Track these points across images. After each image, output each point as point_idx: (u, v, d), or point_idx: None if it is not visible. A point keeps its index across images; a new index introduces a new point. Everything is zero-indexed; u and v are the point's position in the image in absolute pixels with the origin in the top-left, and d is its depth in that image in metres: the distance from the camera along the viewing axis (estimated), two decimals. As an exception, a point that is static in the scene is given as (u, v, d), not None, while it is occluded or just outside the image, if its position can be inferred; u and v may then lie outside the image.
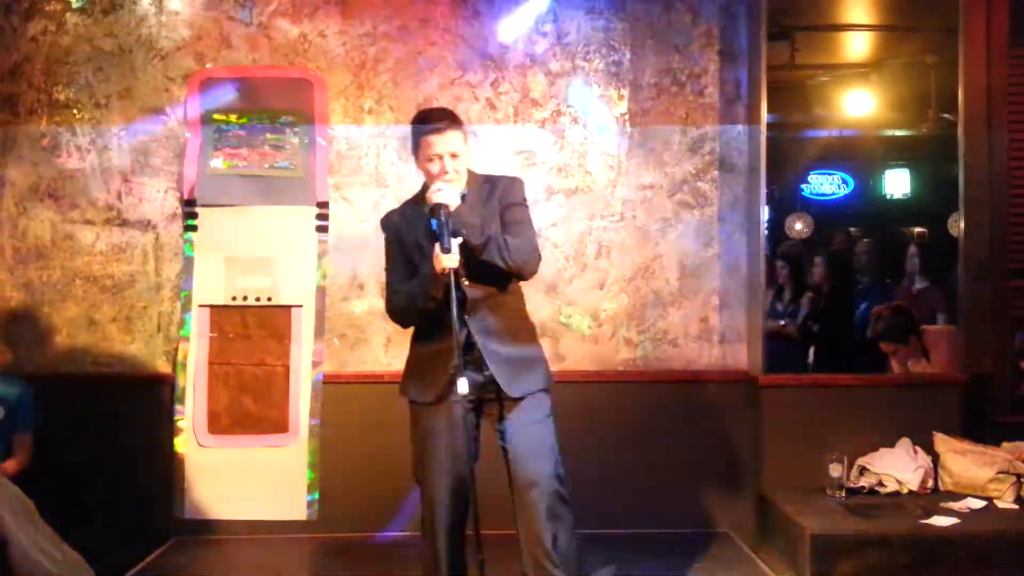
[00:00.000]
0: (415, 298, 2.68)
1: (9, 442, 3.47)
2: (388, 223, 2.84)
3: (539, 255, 2.77)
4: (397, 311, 2.79)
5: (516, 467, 2.65)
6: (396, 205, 3.91)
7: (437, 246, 2.54)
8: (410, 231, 2.74)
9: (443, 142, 2.64)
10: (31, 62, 3.95)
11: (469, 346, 2.63)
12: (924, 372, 4.16)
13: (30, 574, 2.83)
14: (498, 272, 2.65)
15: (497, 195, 2.74)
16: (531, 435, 2.66)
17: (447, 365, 2.60)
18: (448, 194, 2.57)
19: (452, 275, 2.52)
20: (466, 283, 2.60)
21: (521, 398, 2.68)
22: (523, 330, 2.79)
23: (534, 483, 2.61)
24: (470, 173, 2.79)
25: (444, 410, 2.67)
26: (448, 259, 2.52)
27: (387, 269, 2.84)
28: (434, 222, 2.58)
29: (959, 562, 3.18)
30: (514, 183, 2.80)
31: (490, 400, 2.69)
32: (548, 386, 2.77)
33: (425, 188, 2.75)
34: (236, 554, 3.73)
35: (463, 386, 2.49)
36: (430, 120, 2.68)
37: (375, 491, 3.84)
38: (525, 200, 2.81)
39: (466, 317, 2.63)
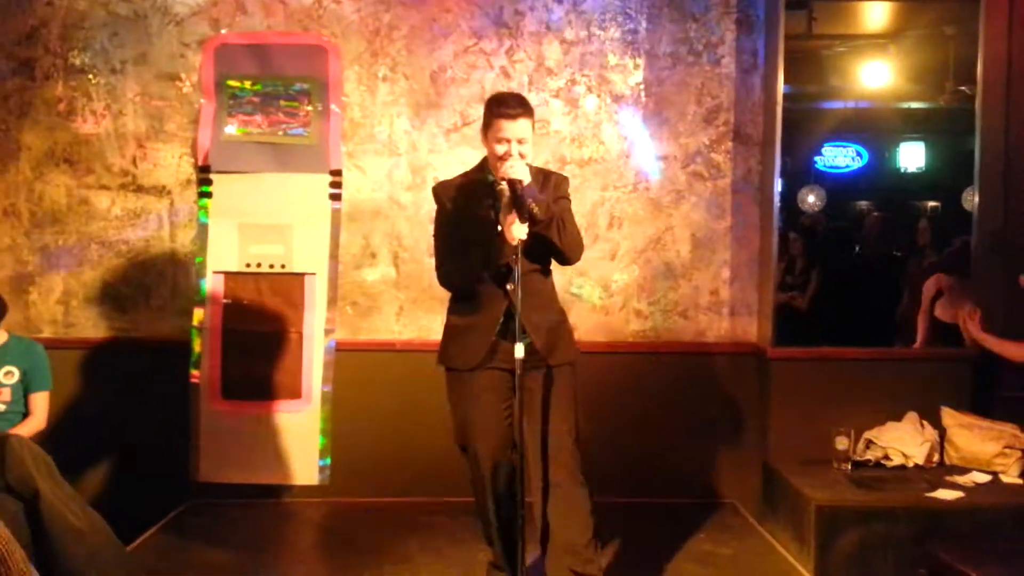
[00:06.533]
0: (473, 267, 2.80)
1: (26, 403, 3.53)
2: (441, 192, 2.93)
3: (583, 247, 2.91)
4: (450, 277, 2.90)
5: (546, 437, 2.79)
6: (409, 174, 4.00)
7: (509, 217, 2.67)
8: (464, 203, 2.85)
9: (513, 128, 2.75)
10: (47, 27, 3.95)
11: (509, 316, 2.76)
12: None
13: (59, 527, 2.91)
14: (547, 251, 2.82)
15: (551, 186, 2.87)
16: (560, 408, 2.81)
17: (488, 333, 2.80)
18: (521, 170, 2.69)
19: (519, 246, 2.66)
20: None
21: (556, 367, 2.83)
22: (556, 304, 2.97)
23: (559, 450, 2.78)
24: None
25: (485, 375, 2.82)
26: (521, 230, 2.64)
27: (436, 236, 2.95)
28: (502, 197, 2.73)
29: (963, 535, 3.20)
30: (564, 180, 2.95)
31: (527, 370, 2.76)
32: (576, 360, 2.92)
33: (483, 164, 2.89)
34: (249, 517, 3.79)
35: (520, 350, 2.63)
36: (506, 104, 2.78)
37: (385, 456, 3.91)
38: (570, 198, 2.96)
39: (512, 287, 2.75)
